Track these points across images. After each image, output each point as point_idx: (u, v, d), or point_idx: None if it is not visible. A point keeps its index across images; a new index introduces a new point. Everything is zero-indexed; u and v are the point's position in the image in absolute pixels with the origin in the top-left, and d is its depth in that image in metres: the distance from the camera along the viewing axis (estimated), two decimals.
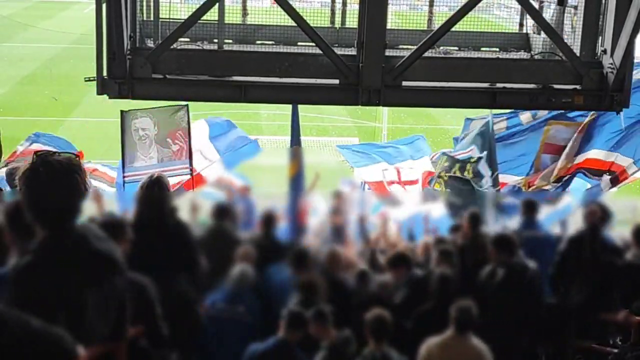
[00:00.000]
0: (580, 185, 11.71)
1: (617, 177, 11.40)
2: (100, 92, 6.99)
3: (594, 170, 11.54)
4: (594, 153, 11.42)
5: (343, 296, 6.95)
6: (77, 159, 3.54)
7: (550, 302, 7.43)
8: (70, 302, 3.37)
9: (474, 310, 6.15)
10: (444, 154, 11.92)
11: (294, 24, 7.01)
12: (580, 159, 11.49)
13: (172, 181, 12.50)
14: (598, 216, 7.54)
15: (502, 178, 11.60)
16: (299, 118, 11.21)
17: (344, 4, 7.97)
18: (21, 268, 3.35)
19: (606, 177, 11.41)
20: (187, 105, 12.14)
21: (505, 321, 6.82)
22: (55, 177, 3.42)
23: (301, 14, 6.95)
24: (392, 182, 13.70)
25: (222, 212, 7.74)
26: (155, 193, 6.20)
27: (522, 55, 8.01)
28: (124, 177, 12.28)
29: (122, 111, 11.64)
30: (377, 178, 13.99)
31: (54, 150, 3.67)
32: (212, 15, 7.30)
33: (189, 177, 12.77)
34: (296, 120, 11.13)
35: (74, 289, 3.39)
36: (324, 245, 8.15)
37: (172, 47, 7.00)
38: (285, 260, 7.22)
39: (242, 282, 6.77)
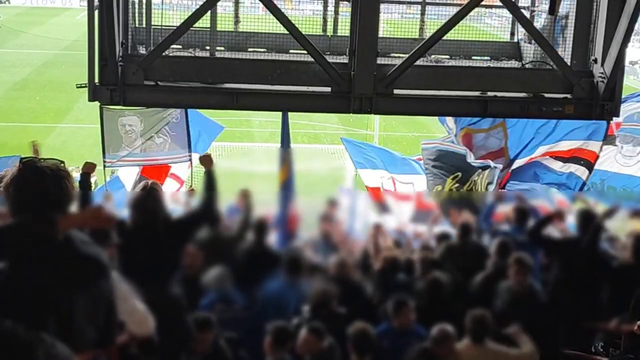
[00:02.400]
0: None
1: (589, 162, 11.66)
2: (92, 98, 6.98)
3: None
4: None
5: (357, 300, 7.01)
6: (64, 164, 3.55)
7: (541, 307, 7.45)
8: (58, 306, 3.35)
9: (489, 319, 6.17)
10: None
11: (286, 31, 7.02)
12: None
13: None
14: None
15: None
16: (289, 125, 11.23)
17: (336, 12, 7.98)
18: (7, 272, 3.33)
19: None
20: None
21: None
22: (43, 182, 3.41)
23: (293, 21, 6.96)
24: (387, 191, 13.76)
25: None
26: (147, 200, 6.20)
27: (513, 64, 8.03)
28: (104, 162, 13.05)
29: (101, 106, 12.29)
30: (376, 184, 14.08)
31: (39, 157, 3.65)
32: (204, 22, 7.30)
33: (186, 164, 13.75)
34: (286, 128, 11.15)
35: (61, 293, 3.38)
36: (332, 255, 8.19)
37: (164, 54, 7.00)
38: (279, 267, 7.25)
39: (223, 284, 6.81)
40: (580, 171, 11.83)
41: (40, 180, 3.42)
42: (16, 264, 3.35)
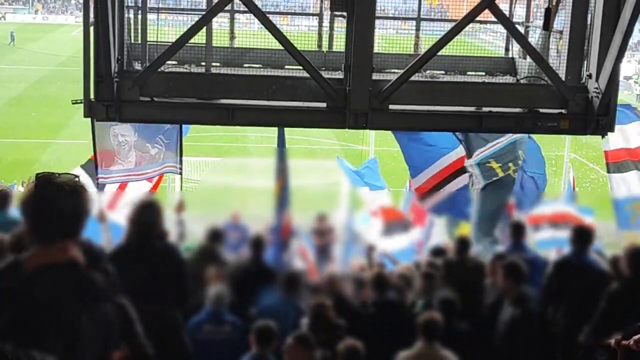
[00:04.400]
0: None
1: None
2: (87, 114, 6.97)
3: None
4: None
5: (349, 315, 7.01)
6: (78, 179, 3.52)
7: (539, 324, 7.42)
8: (64, 326, 3.33)
9: (439, 320, 6.25)
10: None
11: (281, 47, 7.03)
12: None
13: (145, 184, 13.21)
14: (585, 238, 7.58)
15: None
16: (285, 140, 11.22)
17: (331, 27, 8.00)
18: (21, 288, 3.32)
19: None
20: None
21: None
22: (61, 198, 3.39)
23: (288, 37, 6.98)
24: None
25: (216, 236, 7.78)
26: (144, 217, 6.19)
27: (508, 79, 8.06)
28: (97, 178, 12.59)
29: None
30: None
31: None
32: (199, 38, 7.32)
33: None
34: (282, 141, 11.15)
35: (65, 316, 3.36)
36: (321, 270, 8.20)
37: (159, 69, 7.00)
38: (275, 284, 7.24)
39: (220, 302, 6.82)
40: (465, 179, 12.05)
41: (56, 197, 3.40)
42: (30, 280, 3.34)
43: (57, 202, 3.38)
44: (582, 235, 7.51)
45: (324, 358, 6.18)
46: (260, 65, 7.79)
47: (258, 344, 6.20)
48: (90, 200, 3.51)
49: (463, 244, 8.34)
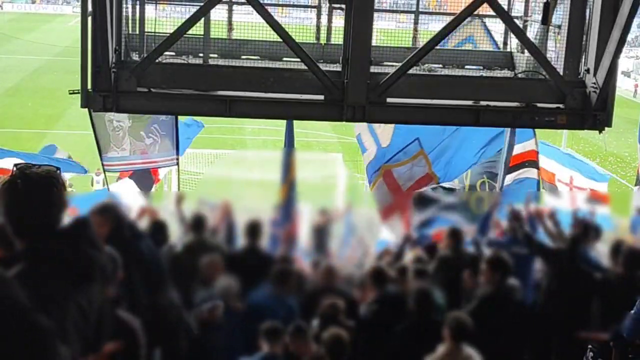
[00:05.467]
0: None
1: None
2: (84, 105, 6.96)
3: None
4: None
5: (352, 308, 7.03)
6: (57, 171, 3.50)
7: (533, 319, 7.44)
8: (47, 317, 3.32)
9: (468, 321, 6.25)
10: None
11: (279, 39, 7.01)
12: None
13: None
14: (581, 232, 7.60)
15: None
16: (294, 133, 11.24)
17: (330, 20, 7.98)
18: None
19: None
20: None
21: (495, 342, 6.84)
22: (33, 190, 3.37)
23: (286, 29, 6.96)
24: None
25: (199, 224, 7.77)
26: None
27: (506, 73, 8.05)
28: (103, 165, 12.64)
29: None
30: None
31: (34, 163, 3.59)
32: (197, 29, 7.30)
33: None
34: (291, 135, 11.17)
35: (50, 303, 3.34)
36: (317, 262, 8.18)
37: (157, 60, 6.99)
38: (268, 278, 7.25)
39: (226, 293, 6.84)
40: (531, 172, 12.12)
41: (28, 188, 3.37)
42: (7, 272, 3.33)
43: (27, 193, 3.36)
44: (584, 231, 7.55)
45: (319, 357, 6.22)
46: (258, 57, 7.78)
47: (268, 344, 6.19)
48: (63, 192, 3.48)
49: (455, 235, 8.34)
